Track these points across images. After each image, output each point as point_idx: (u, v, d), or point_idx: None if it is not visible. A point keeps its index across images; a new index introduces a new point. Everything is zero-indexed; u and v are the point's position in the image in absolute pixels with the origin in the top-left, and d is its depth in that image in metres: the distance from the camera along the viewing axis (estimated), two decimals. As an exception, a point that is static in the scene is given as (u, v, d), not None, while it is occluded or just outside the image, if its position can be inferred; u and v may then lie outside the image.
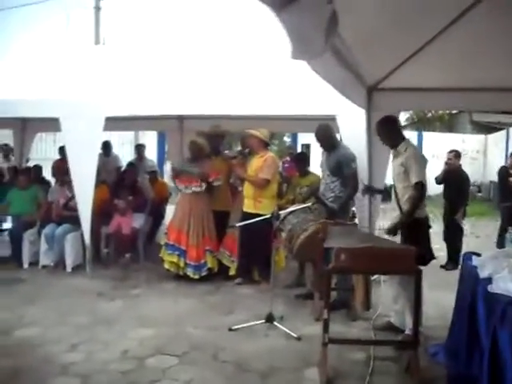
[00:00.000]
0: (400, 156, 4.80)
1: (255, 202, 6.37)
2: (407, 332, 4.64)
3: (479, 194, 19.71)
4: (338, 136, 6.43)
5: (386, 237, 4.83)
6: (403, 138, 4.93)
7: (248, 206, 6.44)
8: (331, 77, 3.86)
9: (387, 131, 4.94)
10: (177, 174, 7.00)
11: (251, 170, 6.52)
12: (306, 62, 2.98)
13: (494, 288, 3.29)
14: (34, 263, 7.49)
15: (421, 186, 4.59)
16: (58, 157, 9.81)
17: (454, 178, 8.53)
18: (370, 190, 5.75)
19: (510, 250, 4.08)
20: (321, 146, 6.12)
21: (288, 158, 10.29)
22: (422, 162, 4.75)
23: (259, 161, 6.49)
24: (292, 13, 2.07)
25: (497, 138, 19.92)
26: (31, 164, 9.73)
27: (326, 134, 5.99)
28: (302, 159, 7.34)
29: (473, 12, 3.72)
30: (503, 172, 9.80)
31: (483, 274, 3.61)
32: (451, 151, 8.85)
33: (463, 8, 3.76)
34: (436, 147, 17.53)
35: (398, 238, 4.74)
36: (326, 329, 3.85)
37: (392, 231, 4.73)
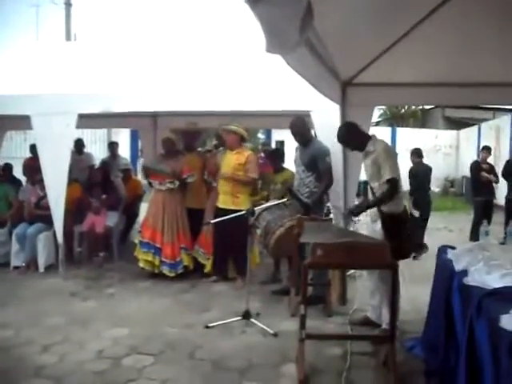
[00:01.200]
0: (370, 155, 4.76)
1: (233, 197, 6.31)
2: (384, 326, 4.65)
3: (452, 189, 19.98)
4: (312, 132, 6.43)
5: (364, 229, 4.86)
6: (369, 137, 4.90)
7: (225, 202, 6.35)
8: (306, 71, 3.84)
9: (350, 138, 4.93)
10: (149, 174, 6.95)
11: (228, 166, 6.42)
12: (281, 56, 2.95)
13: (470, 280, 3.30)
14: (4, 264, 7.35)
15: (394, 182, 4.58)
16: (28, 155, 9.63)
17: (417, 173, 8.95)
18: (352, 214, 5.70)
19: (484, 243, 4.10)
20: (296, 139, 6.08)
21: (262, 155, 10.22)
22: (393, 156, 4.74)
23: (237, 157, 6.39)
24: (267, 5, 2.04)
25: (469, 134, 20.21)
26: (1, 163, 9.54)
27: (302, 127, 5.97)
28: (277, 155, 7.30)
29: (446, 7, 3.76)
30: (475, 167, 9.95)
31: (458, 266, 3.62)
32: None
33: (437, 3, 3.79)
34: (409, 143, 17.68)
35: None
36: (302, 325, 3.83)
37: (353, 213, 4.79)
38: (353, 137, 4.91)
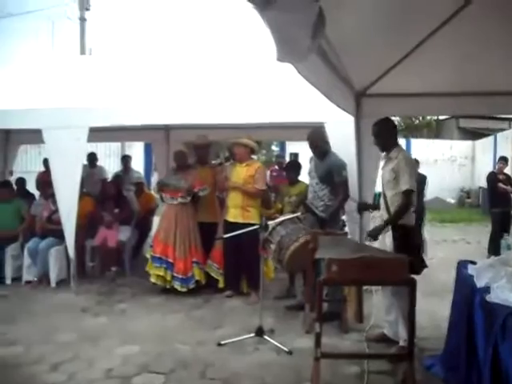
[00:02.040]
0: (391, 162, 4.68)
1: (243, 211, 6.24)
2: (401, 343, 4.51)
3: (468, 200, 19.74)
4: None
5: (368, 242, 4.73)
6: (397, 144, 4.82)
7: (235, 216, 6.29)
8: (319, 81, 3.75)
9: (384, 132, 4.78)
10: (162, 188, 6.88)
11: (238, 179, 6.37)
12: (293, 65, 2.86)
13: (493, 298, 3.15)
14: (16, 279, 7.29)
15: (410, 194, 4.48)
16: (42, 169, 9.63)
17: None
18: (365, 207, 5.57)
19: (506, 258, 3.94)
20: (313, 151, 5.96)
21: (276, 167, 10.14)
22: (413, 168, 4.63)
23: (247, 170, 6.35)
24: (277, 11, 1.95)
25: (484, 144, 19.98)
26: (15, 177, 9.53)
27: (320, 139, 5.85)
28: (295, 167, 7.16)
29: (460, 16, 3.71)
30: (492, 177, 9.79)
31: (480, 283, 3.48)
32: None
33: (450, 13, 3.73)
34: (424, 154, 17.55)
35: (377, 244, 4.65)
36: (318, 343, 3.70)
37: (373, 235, 4.62)
38: (387, 133, 4.79)
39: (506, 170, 10.20)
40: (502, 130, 19.25)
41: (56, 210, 7.06)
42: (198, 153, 7.25)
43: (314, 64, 3.14)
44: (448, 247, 10.49)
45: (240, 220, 6.12)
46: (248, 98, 6.41)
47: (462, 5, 3.62)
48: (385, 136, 4.79)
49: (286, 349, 4.67)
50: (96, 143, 11.53)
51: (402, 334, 4.46)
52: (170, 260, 6.55)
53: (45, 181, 8.03)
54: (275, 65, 2.63)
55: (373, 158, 5.81)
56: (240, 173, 6.37)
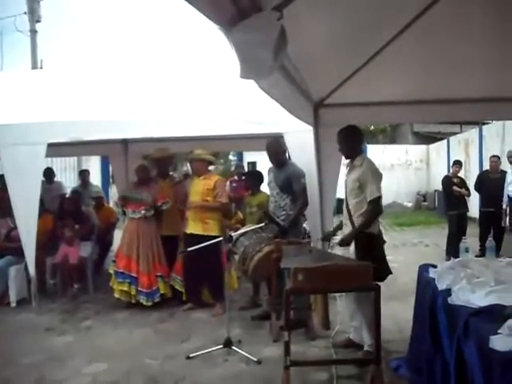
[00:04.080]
0: (355, 170, 4.73)
1: (203, 223, 6.24)
2: (366, 348, 4.59)
3: (424, 203, 20.19)
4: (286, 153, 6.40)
5: (339, 249, 4.80)
6: (361, 152, 4.90)
7: (194, 228, 6.27)
8: (279, 95, 3.82)
9: (349, 140, 4.84)
10: (126, 203, 6.84)
11: (197, 193, 6.37)
12: (255, 81, 2.91)
13: (455, 300, 3.26)
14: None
15: (377, 202, 4.55)
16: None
17: None
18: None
19: (465, 260, 4.08)
20: (271, 161, 6.04)
21: (236, 178, 10.16)
22: (378, 177, 4.69)
23: (204, 183, 6.36)
24: (241, 31, 2.00)
25: (438, 148, 20.49)
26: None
27: (278, 148, 5.93)
28: (256, 177, 7.17)
29: (413, 28, 3.82)
30: (447, 181, 10.02)
31: (441, 285, 3.59)
32: None
33: (403, 25, 3.85)
34: (380, 159, 17.86)
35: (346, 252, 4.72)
36: (287, 351, 3.75)
37: (344, 243, 4.66)
38: (352, 140, 4.85)
39: (460, 173, 10.49)
40: (454, 133, 19.79)
41: (14, 227, 6.93)
42: (158, 166, 7.23)
43: (275, 79, 3.19)
44: (407, 250, 10.71)
45: (200, 232, 6.12)
46: (206, 110, 6.40)
47: (414, 16, 3.75)
48: (349, 143, 4.86)
49: (254, 359, 4.69)
50: (52, 158, 11.36)
51: (367, 339, 4.54)
52: (134, 274, 6.50)
53: (0, 198, 7.84)
54: (233, 77, 2.65)
55: (333, 166, 5.93)
56: (198, 186, 6.38)
